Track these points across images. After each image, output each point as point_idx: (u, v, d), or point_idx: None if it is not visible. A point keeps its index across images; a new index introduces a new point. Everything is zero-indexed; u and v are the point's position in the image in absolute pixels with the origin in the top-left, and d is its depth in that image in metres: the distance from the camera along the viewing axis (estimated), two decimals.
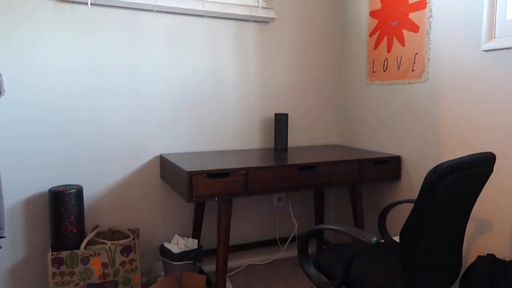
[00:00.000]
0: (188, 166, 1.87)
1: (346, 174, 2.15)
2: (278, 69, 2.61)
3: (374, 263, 1.51)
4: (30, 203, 2.06)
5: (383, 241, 1.84)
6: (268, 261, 2.66)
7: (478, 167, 1.31)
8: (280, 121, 2.44)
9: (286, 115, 2.45)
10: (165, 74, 2.30)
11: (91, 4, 2.08)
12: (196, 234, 2.39)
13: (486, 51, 1.80)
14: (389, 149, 2.39)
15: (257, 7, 2.45)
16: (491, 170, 1.38)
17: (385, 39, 2.37)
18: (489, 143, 1.82)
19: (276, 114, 2.45)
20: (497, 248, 1.80)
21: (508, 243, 1.76)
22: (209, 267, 2.48)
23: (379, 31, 2.41)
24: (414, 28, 2.16)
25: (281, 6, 2.57)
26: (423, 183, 1.17)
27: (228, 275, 2.45)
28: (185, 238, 2.30)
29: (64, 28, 2.05)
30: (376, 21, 2.43)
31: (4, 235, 1.55)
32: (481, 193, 1.86)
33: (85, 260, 1.96)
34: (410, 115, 2.23)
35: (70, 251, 1.94)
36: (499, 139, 1.77)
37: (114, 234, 2.20)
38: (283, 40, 2.61)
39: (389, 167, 2.27)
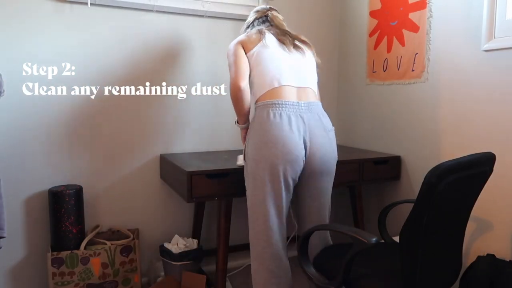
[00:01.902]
0: (188, 166, 1.87)
1: (346, 174, 2.14)
2: None
3: (374, 263, 1.51)
4: (30, 203, 2.06)
5: (383, 241, 1.84)
6: None
7: (478, 167, 1.31)
8: None
9: None
10: (165, 73, 2.30)
11: (91, 4, 2.08)
12: (196, 234, 2.39)
13: (486, 51, 1.80)
14: (389, 149, 2.39)
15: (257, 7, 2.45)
16: (491, 170, 1.38)
17: (385, 39, 2.37)
18: (489, 143, 1.82)
19: None
20: (497, 248, 1.80)
21: (508, 243, 1.76)
22: (209, 267, 2.48)
23: (379, 31, 2.41)
24: (414, 28, 2.16)
25: (281, 6, 2.57)
26: (423, 183, 1.17)
27: (228, 275, 2.44)
28: (185, 238, 2.30)
29: (64, 28, 2.05)
30: (376, 21, 2.43)
31: (4, 235, 1.55)
32: (481, 193, 1.86)
33: (85, 260, 1.96)
34: (410, 115, 2.23)
35: (70, 251, 1.94)
36: (499, 139, 1.77)
37: (114, 234, 2.20)
38: None
39: (389, 167, 2.27)
